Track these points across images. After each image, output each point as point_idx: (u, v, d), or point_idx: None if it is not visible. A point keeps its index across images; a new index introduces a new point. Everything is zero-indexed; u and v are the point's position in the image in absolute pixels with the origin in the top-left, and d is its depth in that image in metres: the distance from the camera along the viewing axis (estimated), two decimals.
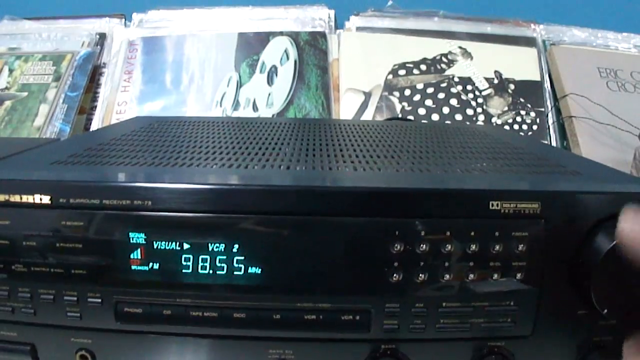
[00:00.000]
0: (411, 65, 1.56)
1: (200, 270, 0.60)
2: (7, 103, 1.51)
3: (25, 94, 1.53)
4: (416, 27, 1.64)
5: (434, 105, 1.51)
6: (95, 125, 1.52)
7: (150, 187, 0.59)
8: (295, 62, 1.56)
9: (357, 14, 1.67)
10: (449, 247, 0.59)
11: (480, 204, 0.60)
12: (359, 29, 1.64)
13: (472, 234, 0.60)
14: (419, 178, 0.68)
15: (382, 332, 0.62)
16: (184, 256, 0.60)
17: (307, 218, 0.59)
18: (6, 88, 1.55)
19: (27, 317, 0.63)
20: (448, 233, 0.59)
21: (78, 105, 1.50)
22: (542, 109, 1.52)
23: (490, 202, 0.59)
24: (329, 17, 1.67)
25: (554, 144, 1.48)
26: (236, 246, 0.59)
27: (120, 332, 0.63)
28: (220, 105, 1.52)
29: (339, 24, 1.68)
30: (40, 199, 0.60)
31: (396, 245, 0.59)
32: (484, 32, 1.64)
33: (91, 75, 1.56)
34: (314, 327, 0.61)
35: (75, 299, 0.61)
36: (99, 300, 0.61)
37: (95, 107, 1.57)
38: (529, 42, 1.63)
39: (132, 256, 0.60)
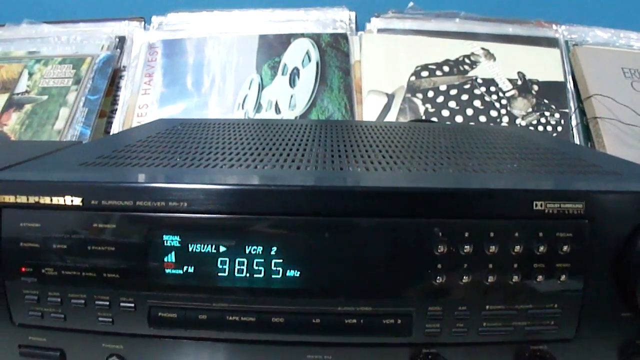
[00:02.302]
0: (434, 67, 1.55)
1: (237, 274, 0.59)
2: (28, 106, 1.51)
3: (46, 97, 1.52)
4: (437, 29, 1.63)
5: (458, 107, 1.49)
6: (115, 128, 1.52)
7: (187, 188, 0.58)
8: (317, 63, 1.55)
9: (378, 16, 1.66)
10: (493, 249, 0.58)
11: (524, 204, 0.58)
12: (380, 30, 1.63)
13: (516, 234, 0.58)
14: (459, 178, 0.67)
15: (424, 336, 0.60)
16: (220, 259, 0.59)
17: (347, 219, 0.58)
18: (26, 92, 1.55)
19: (56, 322, 0.62)
20: (492, 234, 0.58)
21: (98, 108, 1.49)
22: (566, 110, 1.51)
23: (534, 202, 0.58)
24: (349, 19, 1.66)
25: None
26: (274, 249, 0.58)
27: (154, 338, 0.62)
28: (243, 108, 1.51)
29: (359, 26, 1.67)
30: (72, 201, 0.59)
31: (439, 246, 0.58)
32: (506, 33, 1.63)
33: (111, 79, 1.56)
34: (355, 332, 0.60)
35: (107, 303, 0.60)
36: (132, 305, 0.60)
37: (115, 110, 1.56)
38: (551, 42, 1.62)
39: (166, 259, 0.59)
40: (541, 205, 0.58)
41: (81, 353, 0.64)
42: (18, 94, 1.54)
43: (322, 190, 0.59)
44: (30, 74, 1.57)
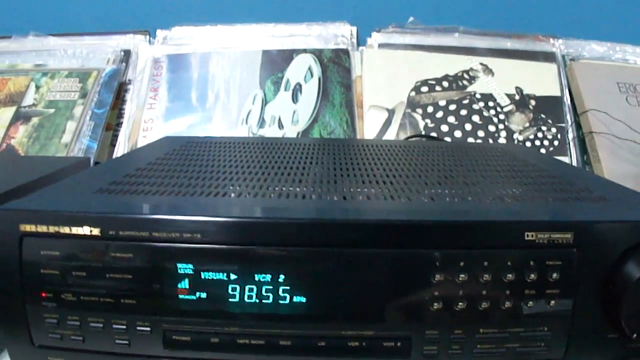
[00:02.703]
0: (433, 82, 1.57)
1: (246, 300, 0.62)
2: (35, 120, 1.53)
3: (52, 110, 1.55)
4: (437, 43, 1.65)
5: (457, 122, 1.52)
6: (121, 142, 1.54)
7: (200, 220, 0.61)
8: (319, 79, 1.58)
9: (379, 31, 1.68)
10: (487, 277, 0.61)
11: (516, 234, 0.62)
12: (380, 45, 1.65)
13: (509, 263, 0.62)
14: (456, 208, 0.70)
15: (422, 357, 0.63)
16: (230, 286, 0.62)
17: (351, 250, 0.62)
18: (33, 105, 1.57)
19: (75, 344, 0.65)
20: (486, 263, 0.61)
21: (105, 122, 1.52)
22: (563, 125, 1.53)
23: (526, 233, 0.61)
24: (351, 34, 1.68)
25: (574, 159, 1.49)
26: (282, 276, 0.61)
27: (168, 359, 0.64)
28: (246, 123, 1.54)
29: (360, 41, 1.69)
30: (90, 231, 0.62)
31: (436, 275, 0.61)
32: (504, 47, 1.65)
33: (117, 92, 1.58)
34: (357, 354, 0.63)
35: (124, 327, 0.63)
36: (148, 328, 0.63)
37: (121, 123, 1.58)
38: (548, 57, 1.64)
39: (180, 286, 0.62)
40: (532, 236, 0.61)
41: None
42: (25, 107, 1.56)
43: (327, 223, 0.62)
44: (37, 87, 1.59)
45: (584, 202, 0.73)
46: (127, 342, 0.64)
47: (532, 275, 0.62)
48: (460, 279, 0.61)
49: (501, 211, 0.69)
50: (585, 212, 0.68)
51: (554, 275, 0.62)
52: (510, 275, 0.61)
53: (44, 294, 0.64)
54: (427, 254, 0.61)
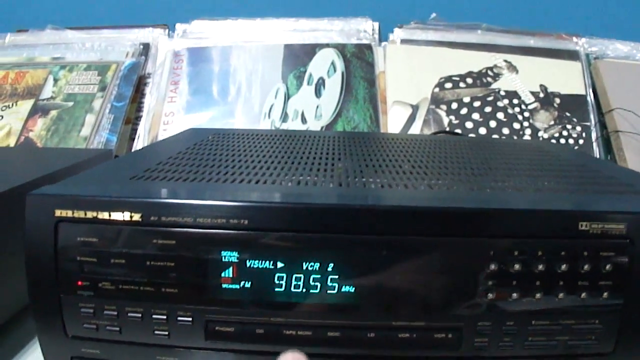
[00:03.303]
0: (457, 79, 1.56)
1: (293, 289, 0.60)
2: (53, 112, 1.52)
3: (71, 103, 1.54)
4: (459, 40, 1.64)
5: (481, 119, 1.50)
6: (141, 135, 1.53)
7: (247, 205, 0.59)
8: (342, 74, 1.56)
9: (401, 27, 1.67)
10: (541, 267, 0.60)
11: (570, 224, 0.60)
12: (403, 41, 1.64)
13: (563, 253, 0.60)
14: (505, 198, 0.68)
15: (472, 350, 0.62)
16: (277, 275, 0.60)
17: (402, 238, 0.60)
18: (52, 97, 1.56)
19: (111, 335, 0.63)
20: (540, 253, 0.60)
21: (124, 115, 1.51)
22: (587, 123, 1.51)
23: (580, 223, 0.60)
24: (373, 29, 1.67)
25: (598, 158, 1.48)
26: (331, 265, 0.60)
27: (210, 351, 0.63)
28: (269, 117, 1.52)
29: (382, 36, 1.68)
30: (131, 217, 0.60)
31: (490, 264, 0.59)
32: (528, 45, 1.64)
33: (136, 85, 1.57)
34: (407, 346, 0.61)
35: (164, 317, 0.61)
36: (190, 319, 0.61)
37: (140, 116, 1.57)
38: (572, 55, 1.62)
39: (223, 274, 0.60)
40: (586, 226, 0.60)
41: None
42: (43, 99, 1.55)
43: (379, 209, 0.60)
44: (56, 80, 1.59)
45: (631, 195, 0.71)
46: (166, 333, 0.62)
47: (586, 266, 0.60)
48: (514, 269, 0.60)
49: (552, 201, 0.67)
50: (635, 204, 0.66)
51: (607, 266, 0.60)
52: (564, 266, 0.60)
53: (79, 283, 0.62)
54: (481, 243, 0.60)
